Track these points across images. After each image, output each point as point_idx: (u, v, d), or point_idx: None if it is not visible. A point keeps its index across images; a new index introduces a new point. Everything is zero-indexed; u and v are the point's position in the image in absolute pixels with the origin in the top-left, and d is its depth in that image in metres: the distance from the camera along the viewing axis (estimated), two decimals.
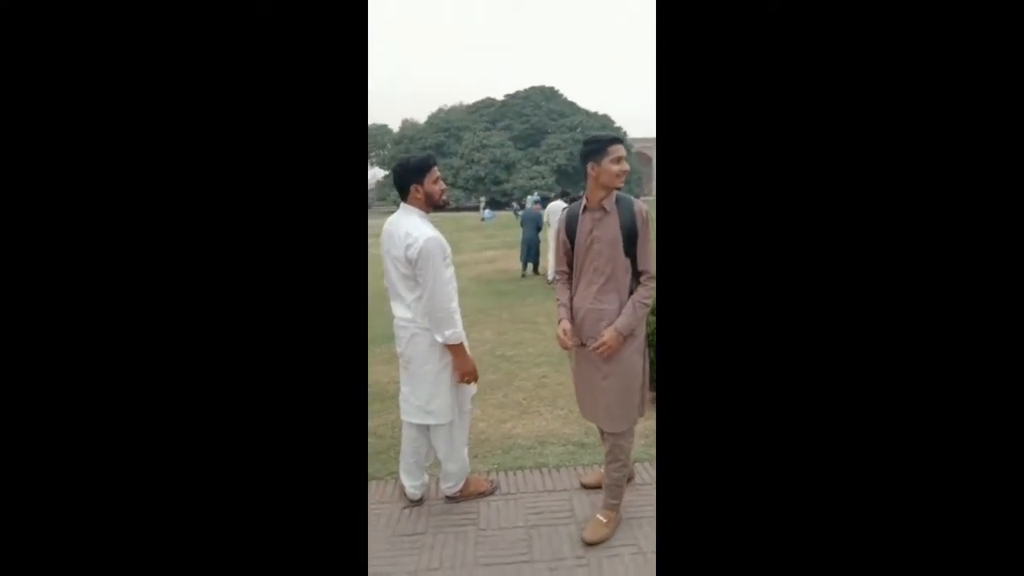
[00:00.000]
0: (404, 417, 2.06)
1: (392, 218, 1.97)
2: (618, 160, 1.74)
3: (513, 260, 9.92)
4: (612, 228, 1.78)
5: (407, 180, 1.92)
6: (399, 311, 1.97)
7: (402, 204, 1.96)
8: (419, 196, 1.93)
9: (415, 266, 1.84)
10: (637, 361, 1.82)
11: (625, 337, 1.77)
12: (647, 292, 1.80)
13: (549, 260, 7.28)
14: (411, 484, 2.13)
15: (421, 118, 45.94)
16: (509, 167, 35.65)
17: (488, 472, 2.37)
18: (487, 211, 24.40)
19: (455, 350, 1.92)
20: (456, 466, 2.09)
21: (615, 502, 1.89)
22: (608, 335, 1.75)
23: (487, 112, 40.03)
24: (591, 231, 1.81)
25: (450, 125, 39.27)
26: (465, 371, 1.95)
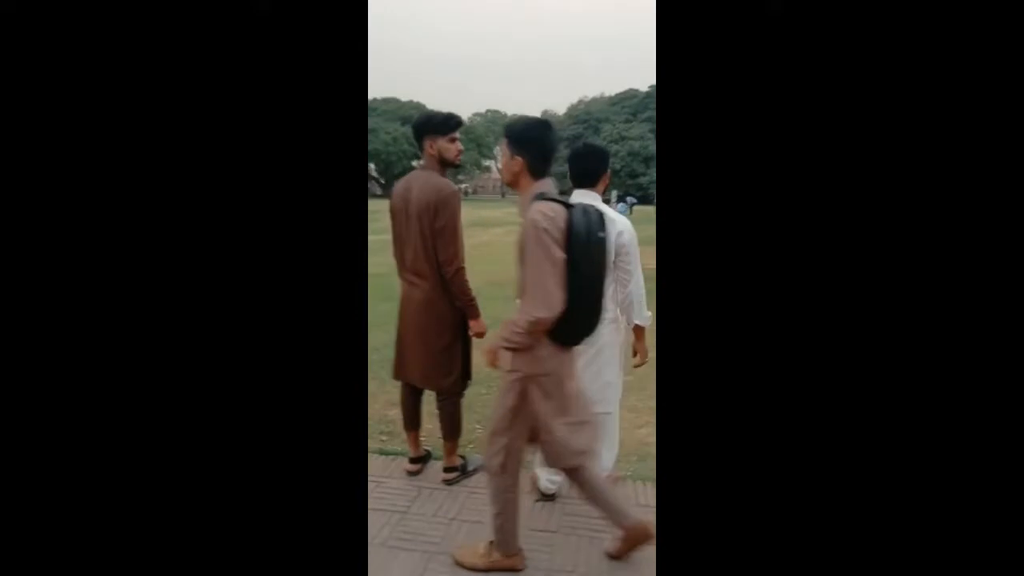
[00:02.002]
0: None
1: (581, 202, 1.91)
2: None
3: (648, 256, 9.48)
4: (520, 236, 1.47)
5: (602, 167, 1.91)
6: None
7: (581, 189, 1.89)
8: (605, 184, 1.94)
9: (622, 253, 1.83)
10: (507, 398, 1.50)
11: (504, 352, 1.48)
12: (520, 317, 1.40)
13: None
14: (549, 478, 2.06)
15: (561, 109, 46.01)
16: (648, 160, 34.34)
17: (625, 478, 2.23)
18: (620, 204, 23.87)
19: (641, 333, 1.93)
20: (612, 454, 2.05)
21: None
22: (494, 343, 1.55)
23: (630, 104, 38.95)
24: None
25: (590, 117, 38.82)
26: (645, 354, 1.96)
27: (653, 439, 2.66)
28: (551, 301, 1.34)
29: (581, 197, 1.85)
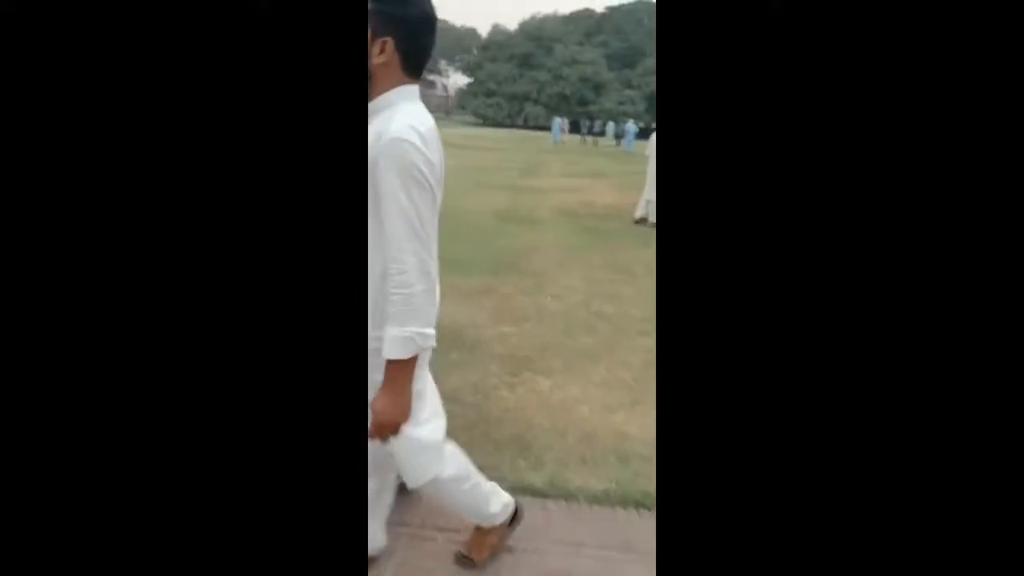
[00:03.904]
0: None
1: (431, 122, 1.12)
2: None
3: (600, 192, 9.07)
4: None
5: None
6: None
7: (415, 89, 1.14)
8: None
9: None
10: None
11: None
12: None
13: (642, 197, 6.99)
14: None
15: (512, 25, 43.23)
16: (598, 87, 33.14)
17: (604, 490, 1.80)
18: (558, 127, 23.39)
19: None
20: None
21: None
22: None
23: (583, 24, 37.04)
24: None
25: (542, 35, 36.60)
26: None
27: (631, 428, 2.25)
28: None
29: (410, 101, 1.11)
